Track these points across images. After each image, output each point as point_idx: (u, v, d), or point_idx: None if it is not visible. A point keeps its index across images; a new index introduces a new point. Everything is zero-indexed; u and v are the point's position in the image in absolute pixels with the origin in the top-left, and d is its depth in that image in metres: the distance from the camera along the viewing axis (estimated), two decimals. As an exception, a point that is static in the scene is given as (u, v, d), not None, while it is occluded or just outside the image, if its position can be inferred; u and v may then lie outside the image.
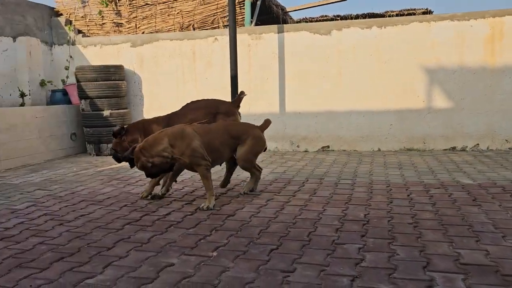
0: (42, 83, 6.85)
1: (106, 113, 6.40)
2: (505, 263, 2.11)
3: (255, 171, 3.68)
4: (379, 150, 6.21)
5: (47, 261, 2.32)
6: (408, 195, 3.54)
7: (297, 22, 9.82)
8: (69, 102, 6.89)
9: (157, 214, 3.19)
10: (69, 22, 7.21)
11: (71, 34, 7.15)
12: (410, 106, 6.05)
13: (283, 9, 8.60)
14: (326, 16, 10.46)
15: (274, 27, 6.44)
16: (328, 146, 6.36)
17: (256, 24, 7.15)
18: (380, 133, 6.19)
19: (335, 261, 2.20)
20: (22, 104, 6.52)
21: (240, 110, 6.46)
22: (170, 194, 3.78)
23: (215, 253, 2.37)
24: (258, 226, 2.82)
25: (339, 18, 10.07)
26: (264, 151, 3.77)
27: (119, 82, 6.55)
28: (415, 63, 5.96)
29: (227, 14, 6.75)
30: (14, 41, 6.55)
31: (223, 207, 3.33)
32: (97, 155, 6.47)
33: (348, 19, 9.64)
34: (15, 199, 3.79)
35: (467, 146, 5.93)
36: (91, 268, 2.21)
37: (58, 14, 7.35)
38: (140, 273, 2.13)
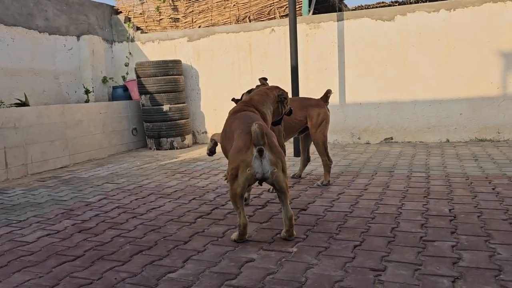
0: (104, 80, 7.06)
1: (165, 107, 6.49)
2: None
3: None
4: (448, 141, 5.84)
5: (127, 254, 2.32)
6: (493, 189, 3.25)
7: (354, 9, 9.48)
8: (129, 97, 7.06)
9: (227, 208, 3.14)
10: (128, 19, 7.38)
11: (130, 31, 7.30)
12: (483, 94, 5.63)
13: (338, -3, 8.32)
14: (383, 2, 10.02)
15: (334, 15, 6.22)
16: (391, 138, 6.07)
17: (315, 13, 6.96)
18: (448, 123, 5.82)
19: (429, 260, 2.03)
20: (87, 101, 6.75)
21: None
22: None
23: (295, 249, 2.26)
24: (334, 221, 2.69)
25: (397, 4, 9.61)
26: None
27: (177, 76, 6.60)
28: (488, 48, 5.53)
29: (284, 4, 6.62)
30: (78, 40, 6.78)
31: (293, 200, 3.22)
32: (157, 149, 6.58)
33: (407, 3, 9.17)
34: (87, 192, 3.89)
35: (548, 136, 5.43)
36: (171, 262, 2.17)
37: (117, 12, 7.54)
38: (222, 268, 2.06)
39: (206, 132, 7.08)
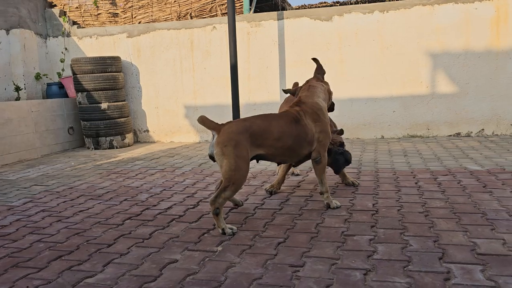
0: (37, 76, 6.71)
1: (103, 105, 6.28)
2: (525, 252, 2.02)
3: None
4: (383, 137, 6.10)
5: (45, 260, 2.22)
6: (416, 183, 3.44)
7: (297, 9, 9.64)
8: (65, 95, 6.76)
9: (158, 208, 3.09)
10: (63, 13, 7.05)
11: (66, 26, 6.99)
12: (414, 92, 5.93)
13: (281, -4, 8.43)
14: (325, 2, 10.27)
15: (274, 14, 6.29)
16: (330, 135, 6.24)
17: (255, 12, 7.00)
18: (383, 120, 6.08)
19: (346, 254, 2.11)
20: (18, 98, 6.39)
21: (240, 100, 6.35)
22: (170, 187, 3.68)
23: (220, 248, 2.27)
24: (263, 219, 2.73)
25: (338, 4, 9.89)
26: None
27: (116, 73, 6.41)
28: (418, 48, 5.83)
29: (225, 1, 6.60)
30: (8, 33, 6.39)
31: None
32: (95, 148, 6.36)
33: (348, 5, 9.46)
34: (11, 196, 3.68)
35: (472, 132, 5.82)
36: (91, 267, 2.11)
37: (52, 5, 7.18)
38: (142, 271, 2.03)
39: (148, 131, 6.93)
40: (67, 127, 6.47)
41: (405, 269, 1.92)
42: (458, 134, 5.88)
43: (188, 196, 3.38)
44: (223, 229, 2.47)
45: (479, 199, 2.92)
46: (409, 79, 5.91)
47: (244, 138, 2.51)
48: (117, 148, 6.38)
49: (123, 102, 6.54)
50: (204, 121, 2.55)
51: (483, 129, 5.79)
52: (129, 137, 6.58)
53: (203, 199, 3.28)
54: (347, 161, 3.29)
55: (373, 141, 5.88)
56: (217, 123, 2.57)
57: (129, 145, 6.57)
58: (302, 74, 6.19)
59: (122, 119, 6.47)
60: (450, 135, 5.90)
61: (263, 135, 2.60)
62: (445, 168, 3.93)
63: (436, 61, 5.80)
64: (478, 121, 5.79)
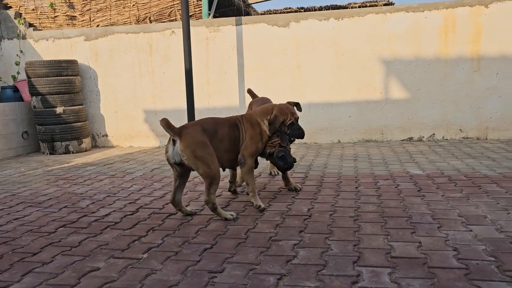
0: (-10, 80, 6.54)
1: (59, 110, 6.17)
2: (434, 254, 2.10)
3: None
4: (339, 142, 6.22)
5: (-36, 270, 2.18)
6: (356, 188, 3.53)
7: (262, 14, 9.73)
8: (21, 99, 6.61)
9: (96, 215, 3.07)
10: (19, 15, 6.91)
11: (22, 28, 6.84)
12: (368, 98, 6.07)
13: (244, 1, 8.49)
14: (290, 8, 10.41)
15: (232, 19, 6.33)
16: (288, 139, 6.31)
17: (216, 17, 7.03)
18: (339, 125, 6.20)
19: (267, 259, 2.15)
20: (-31, 102, 6.21)
21: (198, 105, 6.37)
22: (115, 194, 3.66)
23: (145, 255, 2.28)
24: (197, 225, 2.75)
25: (302, 10, 10.04)
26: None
27: (72, 77, 6.31)
28: (372, 55, 5.98)
29: (184, 6, 6.60)
30: (-42, 35, 6.21)
31: (167, 205, 3.24)
32: (50, 153, 6.24)
33: (312, 11, 9.61)
34: (-51, 203, 3.58)
35: (423, 136, 6.00)
36: (9, 276, 2.08)
37: (7, 6, 7.03)
38: (61, 280, 2.02)
39: (106, 135, 6.84)
40: (21, 132, 6.33)
41: (318, 273, 1.97)
42: (411, 138, 6.05)
43: (130, 203, 3.37)
44: (225, 218, 2.80)
45: (410, 203, 3.02)
46: (364, 85, 6.05)
47: (206, 137, 2.77)
48: (73, 153, 6.28)
49: (80, 106, 6.44)
50: (167, 124, 2.67)
51: (434, 134, 5.98)
52: (86, 142, 6.49)
53: (144, 205, 3.28)
54: (287, 165, 3.34)
55: (329, 145, 5.98)
56: (178, 128, 2.75)
57: (86, 150, 6.47)
58: (261, 79, 6.26)
59: (79, 124, 6.37)
60: (403, 140, 6.07)
61: (212, 135, 2.84)
62: (388, 173, 4.04)
63: (388, 67, 5.96)
64: (429, 126, 5.98)
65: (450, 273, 1.90)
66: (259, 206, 2.99)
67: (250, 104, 4.07)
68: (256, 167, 3.22)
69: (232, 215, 2.83)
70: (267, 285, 1.88)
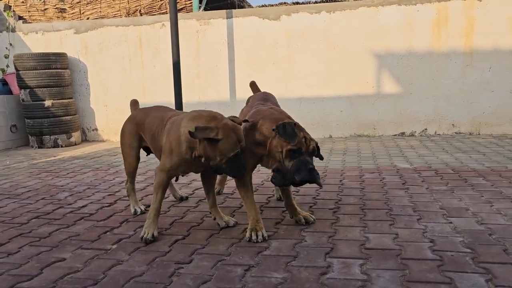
0: (-21, 73, 6.48)
1: (47, 103, 6.10)
2: (409, 246, 2.04)
3: None
4: (331, 136, 6.15)
5: None
6: (340, 181, 3.46)
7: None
8: (9, 92, 6.54)
9: (72, 206, 3.01)
10: (8, 7, 6.83)
11: (11, 20, 6.77)
12: (360, 92, 6.00)
13: (238, -5, 8.41)
14: (285, 3, 10.30)
15: (223, 12, 6.26)
16: (279, 134, 6.25)
17: (208, 10, 6.95)
18: (330, 120, 6.13)
19: (238, 251, 2.09)
20: (-44, 95, 6.14)
21: (189, 99, 6.30)
22: (96, 186, 3.60)
23: (114, 246, 2.21)
24: (173, 216, 2.68)
25: (301, 4, 9.93)
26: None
27: (62, 70, 6.24)
28: (364, 49, 5.90)
29: (175, -1, 6.52)
30: None
31: (146, 197, 3.18)
32: (39, 147, 6.18)
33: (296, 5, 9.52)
34: None
35: (415, 131, 5.93)
36: (-29, 266, 2.02)
37: (-4, -1, 6.95)
38: (22, 270, 1.96)
39: (96, 129, 6.78)
40: (10, 125, 6.26)
41: (288, 264, 1.91)
42: (403, 133, 5.98)
43: (109, 195, 3.30)
44: (133, 211, 2.77)
45: (393, 195, 2.95)
46: (356, 79, 5.98)
47: (131, 126, 2.65)
48: (62, 147, 6.22)
49: (70, 100, 6.38)
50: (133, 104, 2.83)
51: (426, 129, 5.91)
52: (75, 136, 6.42)
53: (123, 197, 3.21)
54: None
55: (321, 140, 5.91)
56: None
57: (75, 144, 6.41)
58: (251, 72, 6.19)
59: (68, 117, 6.31)
60: (395, 135, 6.00)
61: (143, 127, 2.61)
62: (375, 166, 3.98)
63: (380, 61, 5.89)
64: (421, 120, 5.91)
65: (423, 264, 1.84)
66: (147, 236, 2.23)
67: (248, 99, 3.65)
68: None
69: (136, 210, 2.75)
70: (233, 276, 1.81)
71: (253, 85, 3.38)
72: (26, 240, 2.36)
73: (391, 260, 1.90)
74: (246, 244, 2.16)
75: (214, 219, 2.47)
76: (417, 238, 2.14)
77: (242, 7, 8.74)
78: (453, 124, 5.81)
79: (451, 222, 2.36)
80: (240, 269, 1.87)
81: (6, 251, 2.21)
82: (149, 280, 1.81)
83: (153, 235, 2.24)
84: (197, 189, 3.38)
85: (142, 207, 2.81)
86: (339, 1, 6.56)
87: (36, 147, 6.19)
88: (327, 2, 9.40)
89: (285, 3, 10.00)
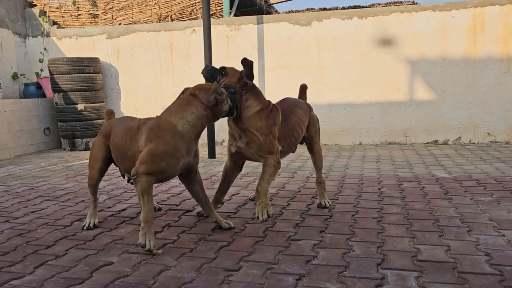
0: (14, 76, 6.65)
1: (80, 107, 6.21)
2: (465, 259, 1.97)
3: None
4: (361, 143, 6.07)
5: (-22, 261, 2.15)
6: (379, 189, 3.39)
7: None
8: (43, 95, 6.69)
9: (112, 210, 3.03)
10: (43, 13, 7.00)
11: (46, 26, 6.93)
12: (392, 99, 5.91)
13: (266, 1, 8.42)
14: (312, 9, 10.28)
15: (253, 18, 6.27)
16: (308, 140, 6.20)
17: (238, 16, 6.98)
18: (361, 127, 6.05)
19: (286, 259, 2.05)
20: (-7, 98, 6.31)
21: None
22: (132, 189, 3.62)
23: (160, 251, 2.21)
24: (213, 223, 2.66)
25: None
26: None
27: (94, 75, 6.35)
28: (396, 55, 5.82)
29: (206, 5, 6.57)
30: (-15, 32, 6.34)
31: (184, 202, 3.18)
32: (71, 150, 6.29)
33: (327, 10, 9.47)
34: (-31, 195, 3.60)
35: (449, 140, 5.80)
36: (22, 268, 2.04)
37: (32, 4, 7.14)
38: (73, 273, 1.96)
39: (126, 133, 6.85)
40: (43, 128, 6.40)
41: (340, 274, 1.86)
42: (436, 141, 5.85)
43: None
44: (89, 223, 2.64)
45: (437, 205, 2.87)
46: (387, 85, 5.89)
47: (100, 137, 2.60)
48: (93, 150, 6.30)
49: (101, 104, 6.48)
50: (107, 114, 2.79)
51: (460, 137, 5.77)
52: (106, 139, 6.50)
53: (161, 201, 3.22)
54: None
55: (351, 147, 5.84)
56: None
57: (106, 147, 6.49)
58: (281, 78, 6.17)
59: (100, 121, 6.40)
60: (428, 143, 5.87)
61: (109, 139, 2.51)
62: (412, 175, 3.89)
63: (414, 68, 5.79)
64: (455, 129, 5.77)
65: (482, 279, 1.77)
66: (144, 246, 2.16)
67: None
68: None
69: (89, 223, 2.60)
70: (286, 285, 1.78)
71: (304, 88, 3.53)
72: (71, 242, 2.38)
73: (447, 273, 1.83)
74: (293, 252, 2.12)
75: (215, 221, 2.55)
76: (472, 251, 2.06)
77: (269, 13, 8.75)
78: (488, 133, 5.66)
79: (504, 235, 2.27)
80: (291, 278, 1.84)
81: (54, 253, 2.23)
82: (200, 287, 1.79)
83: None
84: (233, 194, 3.36)
85: (96, 221, 2.63)
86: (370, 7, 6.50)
87: (68, 149, 6.30)
88: (357, 8, 9.35)
89: (312, 9, 9.98)
